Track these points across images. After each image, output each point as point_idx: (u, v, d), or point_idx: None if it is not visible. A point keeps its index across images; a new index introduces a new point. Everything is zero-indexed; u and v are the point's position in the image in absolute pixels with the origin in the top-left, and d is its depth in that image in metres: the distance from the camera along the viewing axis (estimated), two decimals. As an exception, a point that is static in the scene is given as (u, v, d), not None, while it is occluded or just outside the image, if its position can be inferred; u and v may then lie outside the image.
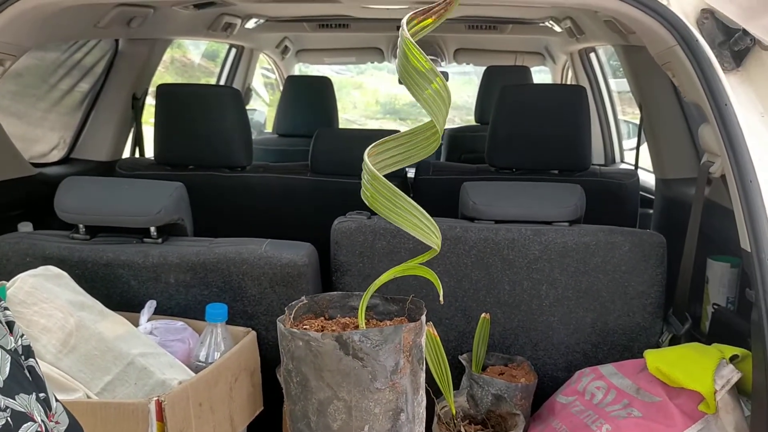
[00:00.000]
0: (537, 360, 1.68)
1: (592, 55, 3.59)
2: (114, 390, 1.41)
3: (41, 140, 2.53)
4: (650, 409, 1.38)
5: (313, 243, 1.68)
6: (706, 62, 1.31)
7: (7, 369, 0.70)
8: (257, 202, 2.40)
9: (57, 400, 0.80)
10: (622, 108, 3.78)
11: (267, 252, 1.61)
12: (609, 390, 1.49)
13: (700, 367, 1.34)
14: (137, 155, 2.84)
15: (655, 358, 1.41)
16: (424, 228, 0.66)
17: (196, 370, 1.50)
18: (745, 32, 1.28)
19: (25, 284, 1.44)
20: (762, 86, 1.31)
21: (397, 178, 2.49)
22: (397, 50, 0.70)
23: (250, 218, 2.36)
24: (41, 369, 0.79)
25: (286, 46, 4.45)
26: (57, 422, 0.78)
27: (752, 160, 1.23)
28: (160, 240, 1.65)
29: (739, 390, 1.36)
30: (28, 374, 0.75)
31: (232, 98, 2.40)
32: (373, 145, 0.64)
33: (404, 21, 0.69)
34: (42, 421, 0.71)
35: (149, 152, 2.76)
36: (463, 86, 8.64)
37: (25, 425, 0.67)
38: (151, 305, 1.61)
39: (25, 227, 2.00)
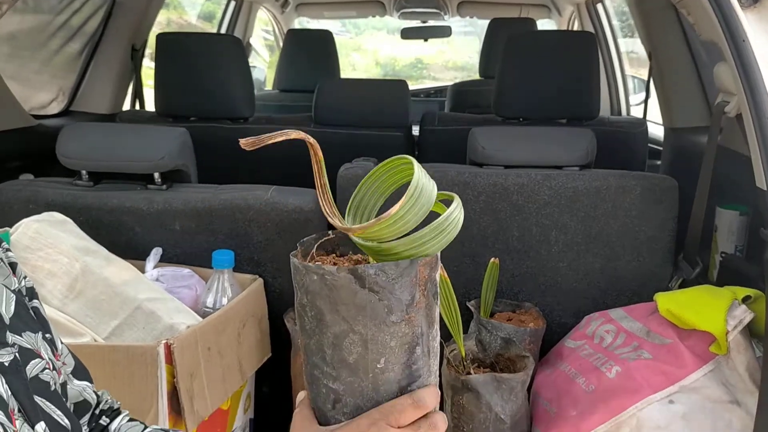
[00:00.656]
0: (545, 306, 1.67)
1: (599, 6, 3.51)
2: (122, 334, 1.40)
3: (40, 92, 2.49)
4: (660, 350, 1.37)
5: None
6: (723, -2, 1.27)
7: (12, 307, 0.69)
8: (260, 155, 2.37)
9: (62, 343, 0.79)
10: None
11: (273, 198, 1.59)
12: (618, 333, 1.48)
13: (711, 308, 1.32)
14: (137, 108, 2.80)
15: (665, 300, 1.40)
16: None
17: (204, 316, 1.49)
18: (763, -34, 1.24)
19: (29, 229, 1.42)
20: (781, 22, 1.27)
21: (401, 129, 2.45)
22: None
23: (253, 171, 2.33)
24: (47, 313, 0.78)
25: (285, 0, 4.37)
26: (63, 363, 0.77)
27: (770, 95, 1.20)
28: (164, 187, 1.63)
29: (751, 332, 1.35)
30: (33, 314, 0.74)
31: (233, 46, 2.36)
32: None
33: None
34: (49, 359, 0.70)
35: (150, 106, 2.72)
36: (466, 46, 8.53)
37: (33, 361, 0.67)
38: (156, 252, 1.60)
39: (27, 178, 1.98)
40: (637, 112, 3.39)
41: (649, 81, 2.64)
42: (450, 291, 1.28)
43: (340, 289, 0.56)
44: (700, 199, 1.60)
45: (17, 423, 0.57)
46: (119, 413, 0.86)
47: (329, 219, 0.59)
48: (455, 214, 0.59)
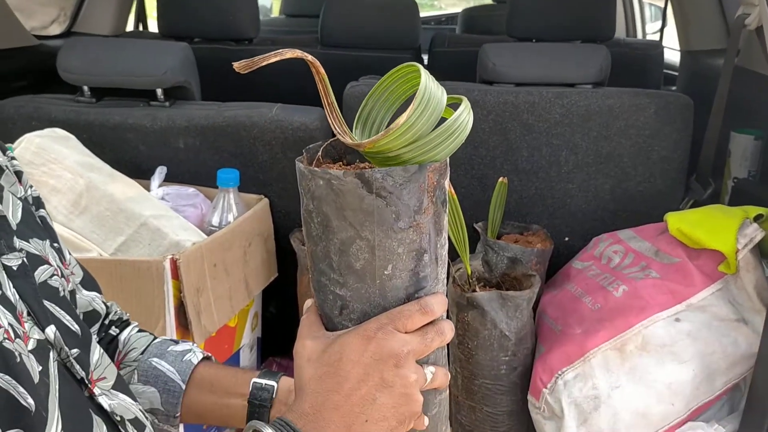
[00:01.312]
0: (554, 228, 1.65)
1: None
2: (128, 250, 1.40)
3: (40, 12, 2.43)
4: (669, 270, 1.36)
5: None
6: None
7: (19, 214, 0.68)
8: (264, 77, 2.32)
9: (70, 254, 0.78)
10: None
11: (277, 115, 1.56)
12: (627, 253, 1.47)
13: (722, 227, 1.30)
14: (140, 29, 2.74)
15: (676, 220, 1.38)
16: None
17: (210, 234, 1.48)
18: None
19: (32, 144, 1.41)
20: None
21: (410, 51, 2.39)
22: None
23: (257, 94, 2.29)
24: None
25: None
26: (72, 273, 0.76)
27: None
28: (167, 103, 1.60)
29: (762, 251, 1.34)
30: (40, 222, 0.72)
31: None
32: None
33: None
34: (57, 266, 0.69)
35: (153, 27, 2.66)
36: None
37: (41, 267, 0.66)
38: (161, 171, 1.59)
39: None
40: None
41: (666, 6, 2.55)
42: (457, 208, 1.26)
43: (347, 194, 0.55)
44: (715, 119, 1.56)
45: (26, 325, 0.57)
46: (128, 324, 0.86)
47: (340, 137, 0.57)
48: (463, 116, 0.57)
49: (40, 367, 0.55)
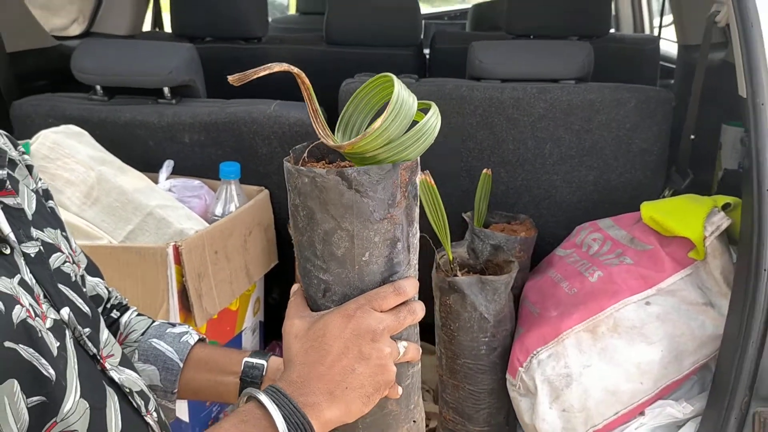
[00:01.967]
0: (539, 218, 1.73)
1: None
2: (135, 238, 1.51)
3: (60, 14, 2.55)
4: (642, 256, 1.43)
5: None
6: None
7: (34, 205, 0.73)
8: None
9: (75, 243, 0.85)
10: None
11: (276, 111, 1.65)
12: (605, 241, 1.54)
13: (692, 215, 1.37)
14: (156, 30, 2.85)
15: (649, 209, 1.45)
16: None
17: (212, 223, 1.59)
18: None
19: (47, 140, 1.52)
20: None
21: (412, 48, 2.47)
22: None
23: (260, 91, 2.38)
24: (66, 219, 0.82)
25: None
26: (79, 261, 0.83)
27: (756, 4, 1.21)
28: (173, 101, 1.70)
29: (730, 238, 1.40)
30: (50, 212, 0.79)
31: None
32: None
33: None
34: (69, 253, 0.75)
35: (168, 28, 2.77)
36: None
37: (55, 255, 0.72)
38: (169, 164, 1.69)
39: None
40: (666, 34, 3.32)
41: (664, 1, 2.58)
42: (437, 198, 1.34)
43: (329, 190, 0.62)
44: (691, 110, 1.62)
45: (44, 306, 0.63)
46: (128, 308, 0.94)
47: (323, 140, 0.64)
48: (432, 120, 0.64)
49: (58, 343, 0.61)
